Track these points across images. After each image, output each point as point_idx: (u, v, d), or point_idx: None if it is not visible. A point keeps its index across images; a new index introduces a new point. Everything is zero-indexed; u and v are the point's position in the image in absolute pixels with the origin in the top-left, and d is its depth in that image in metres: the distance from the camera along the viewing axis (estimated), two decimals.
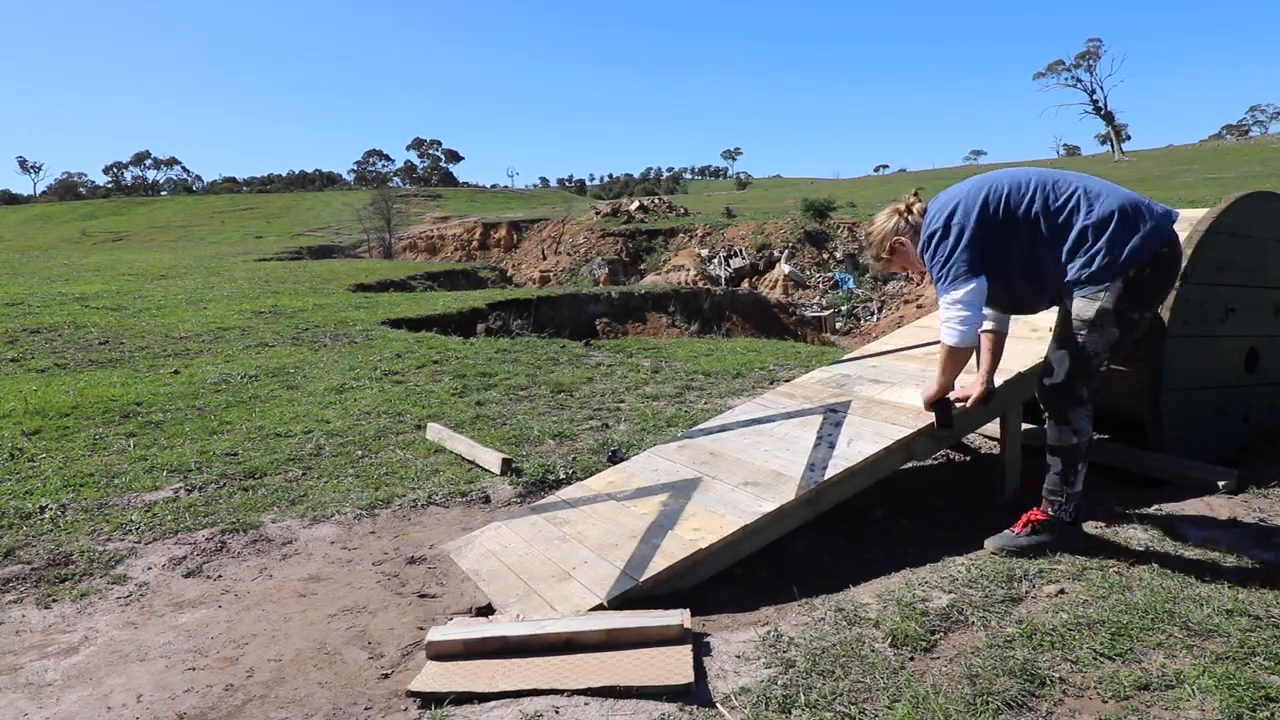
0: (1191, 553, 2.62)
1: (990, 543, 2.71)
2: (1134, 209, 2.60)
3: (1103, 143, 67.60)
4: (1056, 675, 1.92)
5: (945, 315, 2.69)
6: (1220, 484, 3.20)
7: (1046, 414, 2.72)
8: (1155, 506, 3.06)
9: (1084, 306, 2.59)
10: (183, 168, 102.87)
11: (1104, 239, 2.57)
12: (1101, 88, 59.77)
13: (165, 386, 5.71)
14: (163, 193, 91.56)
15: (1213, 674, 1.88)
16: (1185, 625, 2.10)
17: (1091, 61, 59.62)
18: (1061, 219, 2.63)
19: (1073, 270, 2.62)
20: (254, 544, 3.11)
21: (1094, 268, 2.57)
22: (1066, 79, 60.92)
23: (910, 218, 2.87)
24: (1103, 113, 59.88)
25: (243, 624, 2.51)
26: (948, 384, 2.87)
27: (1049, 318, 3.68)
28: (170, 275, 15.48)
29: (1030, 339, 3.49)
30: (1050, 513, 2.70)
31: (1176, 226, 2.70)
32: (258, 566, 2.94)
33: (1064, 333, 2.65)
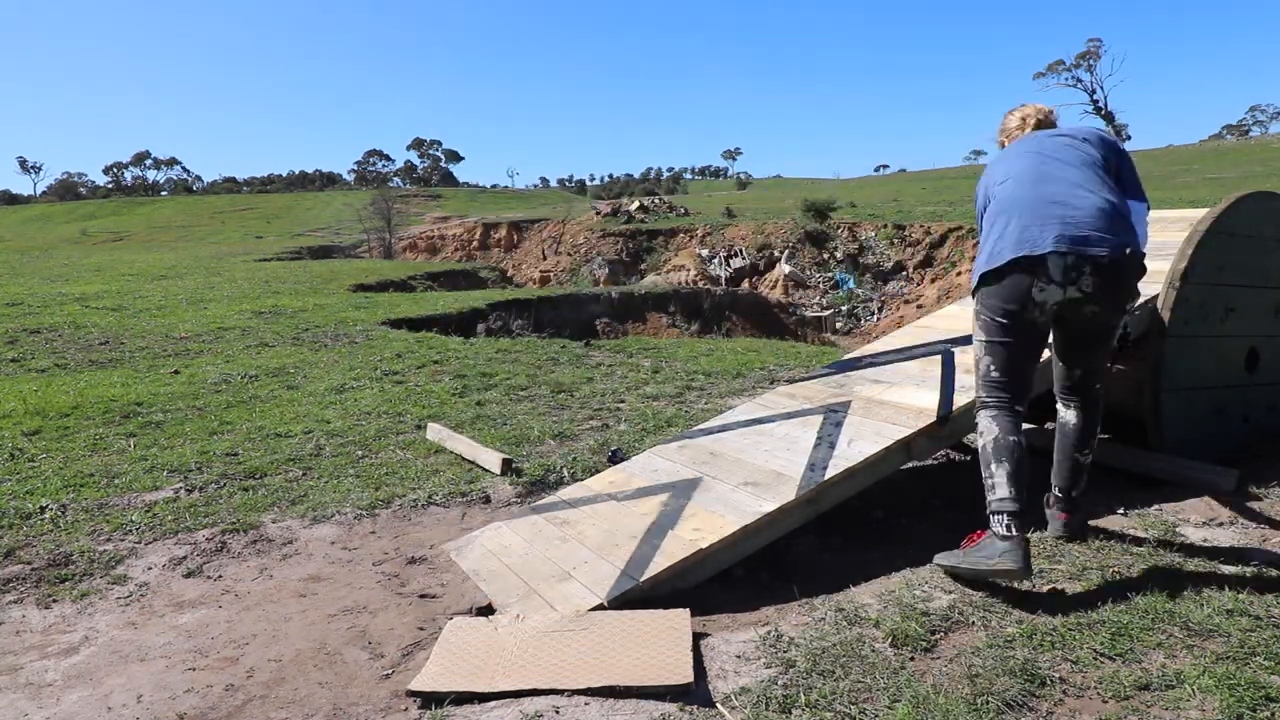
0: (1192, 553, 2.62)
1: (939, 558, 2.55)
2: (1004, 213, 2.65)
3: None
4: (1057, 675, 1.92)
5: None
6: (1220, 484, 3.20)
7: None
8: (1155, 506, 3.06)
9: None
10: (183, 168, 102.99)
11: (980, 247, 2.73)
12: (1102, 88, 59.70)
13: (165, 387, 5.71)
14: (163, 193, 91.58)
15: (1213, 674, 1.88)
16: (1185, 625, 2.10)
17: (1092, 61, 59.57)
18: None
19: None
20: (254, 544, 3.11)
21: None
22: (1067, 79, 60.87)
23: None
24: (1103, 113, 59.82)
25: (243, 624, 2.51)
26: None
27: None
28: (170, 275, 15.48)
29: None
30: (991, 527, 2.46)
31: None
32: (258, 567, 2.94)
33: None
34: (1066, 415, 2.82)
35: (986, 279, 2.62)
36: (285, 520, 3.32)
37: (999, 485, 2.47)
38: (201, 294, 11.87)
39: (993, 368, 2.65)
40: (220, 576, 2.88)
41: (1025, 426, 3.64)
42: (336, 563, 2.95)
